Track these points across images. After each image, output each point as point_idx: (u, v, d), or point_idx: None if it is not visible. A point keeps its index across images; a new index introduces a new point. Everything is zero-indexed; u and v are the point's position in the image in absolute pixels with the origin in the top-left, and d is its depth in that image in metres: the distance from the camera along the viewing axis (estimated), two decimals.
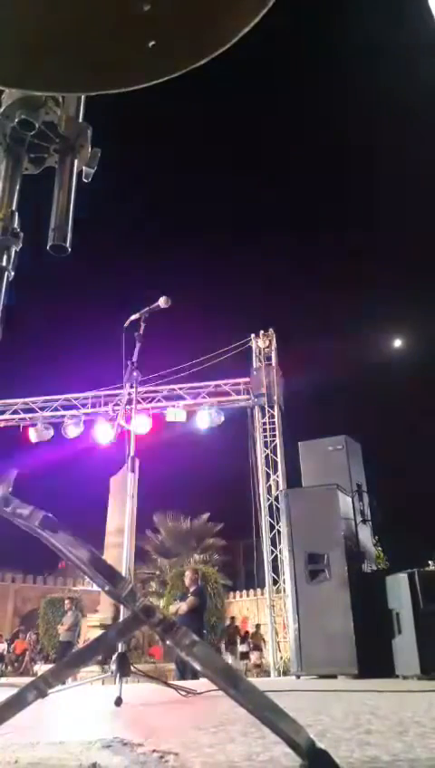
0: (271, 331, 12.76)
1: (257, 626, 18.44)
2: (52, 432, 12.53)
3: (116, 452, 12.11)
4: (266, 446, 11.97)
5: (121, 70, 1.03)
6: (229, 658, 17.10)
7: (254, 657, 17.13)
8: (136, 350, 3.81)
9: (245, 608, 26.33)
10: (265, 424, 12.08)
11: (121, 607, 2.03)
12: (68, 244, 1.09)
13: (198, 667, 0.94)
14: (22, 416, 12.91)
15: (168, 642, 0.96)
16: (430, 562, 5.11)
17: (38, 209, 1.17)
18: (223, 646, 17.37)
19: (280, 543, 10.47)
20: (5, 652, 18.59)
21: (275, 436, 11.98)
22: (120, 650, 3.05)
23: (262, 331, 12.72)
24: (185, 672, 7.15)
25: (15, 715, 0.88)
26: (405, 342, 23.66)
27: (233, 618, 20.23)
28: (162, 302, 4.02)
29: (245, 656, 17.36)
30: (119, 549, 4.10)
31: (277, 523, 10.59)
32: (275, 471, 11.74)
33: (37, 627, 18.55)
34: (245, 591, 28.54)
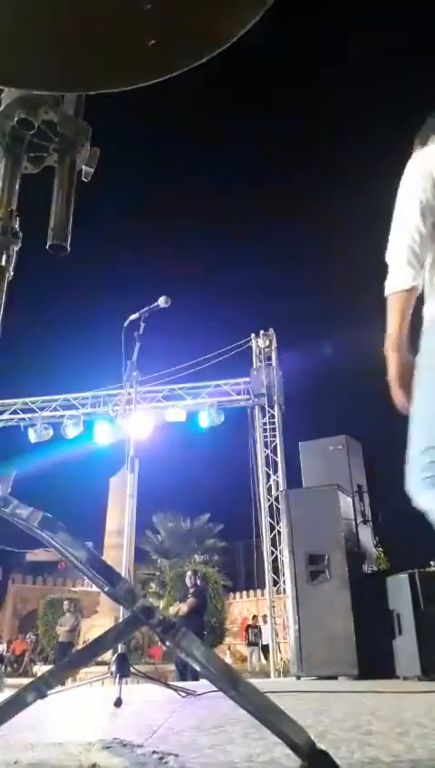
0: (271, 330, 12.72)
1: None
2: (51, 432, 12.51)
3: (116, 452, 12.10)
4: (266, 446, 11.94)
5: (121, 69, 1.02)
6: (255, 656, 17.31)
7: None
8: (136, 349, 3.81)
9: (245, 609, 26.34)
10: (265, 424, 12.05)
11: (121, 608, 2.03)
12: (67, 244, 1.09)
13: (197, 667, 0.94)
14: (21, 416, 12.88)
15: (167, 643, 0.95)
16: (431, 563, 5.09)
17: (38, 208, 1.17)
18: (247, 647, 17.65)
19: (280, 544, 10.44)
20: (5, 652, 18.58)
21: (275, 436, 11.95)
22: (119, 651, 3.05)
23: (262, 331, 12.68)
24: (185, 673, 7.14)
25: (15, 715, 0.87)
26: None
27: (255, 616, 20.42)
28: (162, 301, 4.01)
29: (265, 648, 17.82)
30: (118, 549, 4.10)
31: (278, 524, 10.57)
32: (276, 471, 11.71)
33: (36, 628, 18.53)
34: (245, 592, 28.55)
